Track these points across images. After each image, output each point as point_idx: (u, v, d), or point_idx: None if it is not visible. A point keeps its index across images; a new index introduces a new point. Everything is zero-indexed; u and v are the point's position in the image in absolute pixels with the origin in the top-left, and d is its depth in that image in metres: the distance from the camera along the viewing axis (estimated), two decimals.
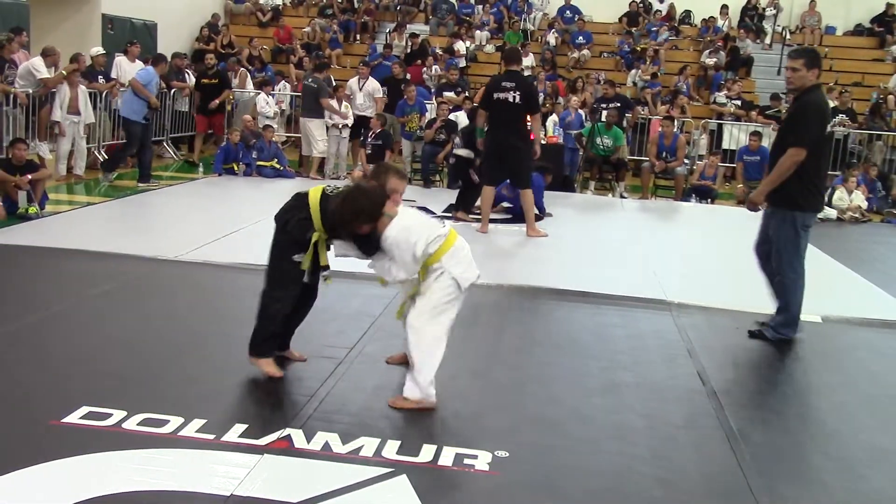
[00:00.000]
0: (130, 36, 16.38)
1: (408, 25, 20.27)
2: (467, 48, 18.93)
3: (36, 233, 7.83)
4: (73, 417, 3.89)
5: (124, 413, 3.94)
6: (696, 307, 6.58)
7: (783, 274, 5.94)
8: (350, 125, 12.92)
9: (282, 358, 4.71)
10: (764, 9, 20.64)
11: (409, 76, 15.70)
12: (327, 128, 12.72)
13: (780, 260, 5.92)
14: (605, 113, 13.33)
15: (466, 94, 14.32)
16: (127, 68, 13.06)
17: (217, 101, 13.92)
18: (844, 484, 3.83)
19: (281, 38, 19.62)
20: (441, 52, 18.27)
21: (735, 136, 15.23)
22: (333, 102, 12.64)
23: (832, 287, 7.76)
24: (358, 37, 20.47)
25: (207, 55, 15.06)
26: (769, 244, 6.01)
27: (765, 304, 6.73)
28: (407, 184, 4.32)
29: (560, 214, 10.39)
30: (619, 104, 13.84)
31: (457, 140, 10.05)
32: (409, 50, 18.11)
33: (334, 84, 13.32)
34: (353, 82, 13.77)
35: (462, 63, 17.78)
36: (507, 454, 3.81)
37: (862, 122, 15.16)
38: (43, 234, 7.76)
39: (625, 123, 14.07)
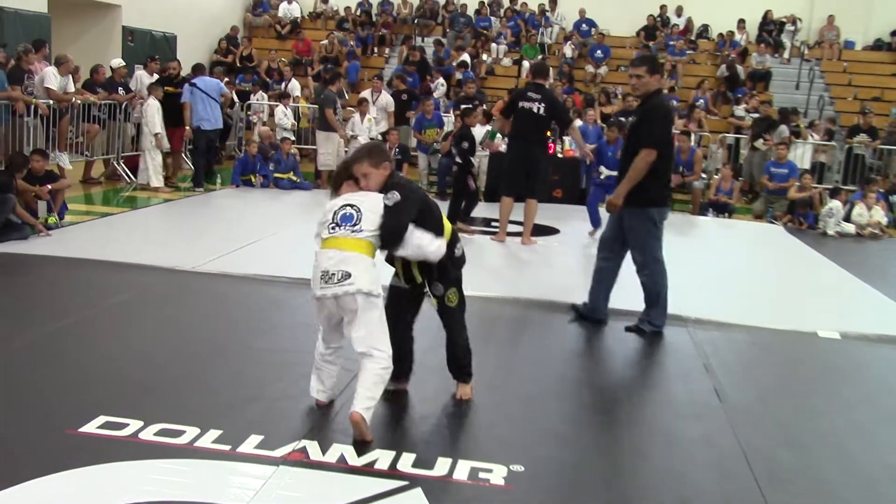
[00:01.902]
0: (150, 48, 16.55)
1: (425, 39, 20.34)
2: (473, 61, 18.90)
3: (55, 243, 7.89)
4: (90, 427, 3.91)
5: (141, 423, 3.95)
6: (713, 322, 6.54)
7: (649, 267, 6.13)
8: (372, 139, 12.94)
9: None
10: (783, 23, 20.58)
11: (420, 92, 15.70)
12: (349, 139, 12.78)
13: (643, 255, 6.13)
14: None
15: (484, 106, 14.25)
16: (146, 81, 13.19)
17: (186, 122, 12.18)
18: (863, 502, 3.79)
19: (300, 51, 19.73)
20: (457, 66, 18.33)
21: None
22: (357, 117, 12.71)
23: (851, 303, 7.70)
24: (375, 50, 20.56)
25: (171, 63, 13.33)
26: (618, 241, 6.22)
27: (783, 319, 6.71)
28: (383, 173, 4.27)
29: (576, 228, 10.37)
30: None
31: (464, 145, 9.89)
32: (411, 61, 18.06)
33: (346, 97, 13.37)
34: (366, 94, 13.84)
35: (459, 75, 17.71)
36: (523, 468, 3.79)
37: (883, 138, 15.08)
38: (62, 245, 7.81)
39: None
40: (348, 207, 4.11)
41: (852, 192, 12.73)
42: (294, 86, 16.53)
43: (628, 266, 6.26)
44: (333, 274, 3.96)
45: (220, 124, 12.76)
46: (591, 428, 4.37)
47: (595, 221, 9.83)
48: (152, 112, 11.73)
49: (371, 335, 4.00)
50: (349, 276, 3.95)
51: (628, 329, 6.16)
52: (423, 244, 4.14)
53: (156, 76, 13.43)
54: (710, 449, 4.20)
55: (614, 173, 9.63)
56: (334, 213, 4.12)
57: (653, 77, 6.06)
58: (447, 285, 4.41)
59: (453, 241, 4.38)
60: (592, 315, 6.33)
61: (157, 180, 11.77)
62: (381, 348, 4.01)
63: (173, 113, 12.08)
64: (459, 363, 4.58)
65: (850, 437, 4.58)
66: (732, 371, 5.49)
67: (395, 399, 4.56)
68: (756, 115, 15.22)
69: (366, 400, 3.91)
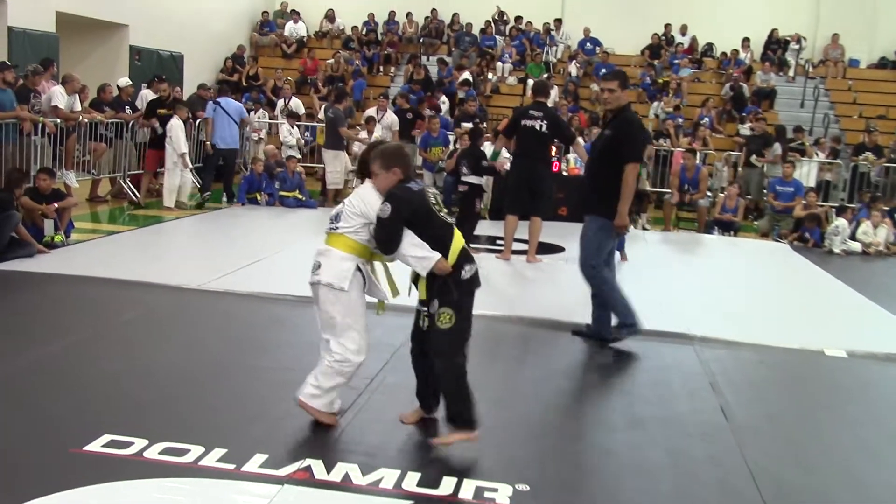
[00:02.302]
0: (157, 67, 16.64)
1: (430, 57, 20.43)
2: (478, 79, 18.95)
3: (61, 261, 7.90)
4: (95, 445, 3.90)
5: (145, 442, 3.95)
6: (719, 341, 6.52)
7: (583, 270, 6.40)
8: None
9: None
10: (787, 42, 20.63)
11: (428, 110, 15.72)
12: (356, 158, 12.82)
13: (582, 255, 6.31)
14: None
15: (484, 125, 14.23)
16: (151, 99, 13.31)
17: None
18: None
19: (307, 69, 19.84)
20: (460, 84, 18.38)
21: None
22: (364, 134, 12.76)
23: (858, 321, 7.67)
24: (381, 68, 20.66)
25: (161, 84, 13.11)
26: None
27: (787, 337, 6.69)
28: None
29: None
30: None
31: (463, 168, 9.88)
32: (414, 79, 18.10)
33: (354, 114, 13.45)
34: (371, 112, 13.90)
35: (461, 94, 17.78)
36: (528, 488, 3.77)
37: (888, 156, 15.08)
38: (68, 262, 7.83)
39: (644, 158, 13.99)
40: (341, 205, 4.32)
41: (858, 210, 12.70)
42: (296, 104, 16.57)
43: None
44: (313, 264, 4.26)
45: (235, 145, 13.09)
46: (596, 447, 4.35)
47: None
48: (177, 132, 11.86)
49: (331, 327, 4.21)
50: (319, 267, 4.22)
51: (576, 332, 6.37)
52: (407, 253, 4.13)
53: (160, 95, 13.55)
54: (716, 468, 4.18)
55: None
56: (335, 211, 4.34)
57: (624, 91, 6.23)
58: (443, 304, 4.12)
59: (461, 262, 4.13)
60: (598, 336, 6.32)
61: (170, 200, 11.86)
62: (341, 342, 4.19)
63: (161, 135, 12.11)
64: (446, 404, 4.18)
65: (857, 456, 4.55)
66: (739, 390, 5.47)
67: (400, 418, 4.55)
68: (751, 133, 15.21)
69: (310, 387, 4.24)
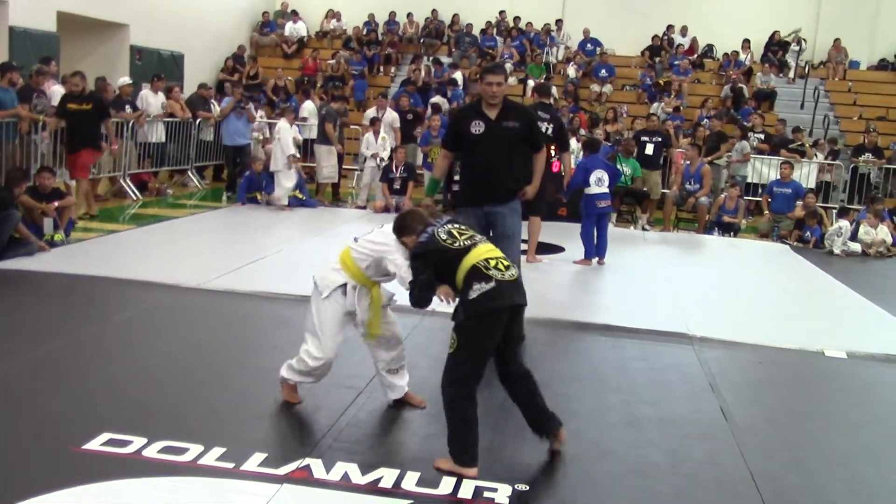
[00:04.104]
0: (158, 66, 16.65)
1: (431, 57, 20.43)
2: (465, 78, 18.96)
3: (61, 260, 7.90)
4: (94, 444, 3.90)
5: (145, 440, 3.95)
6: (719, 341, 6.53)
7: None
8: (386, 158, 12.96)
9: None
10: (788, 43, 20.64)
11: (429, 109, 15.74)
12: (364, 159, 12.91)
13: (516, 255, 5.98)
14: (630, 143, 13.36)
15: None
16: (152, 100, 13.36)
17: (110, 139, 11.30)
18: None
19: (308, 69, 19.83)
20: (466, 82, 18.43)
21: (758, 169, 15.18)
22: (377, 137, 12.87)
23: (858, 322, 7.68)
24: (381, 69, 20.66)
25: (75, 75, 10.91)
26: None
27: (787, 338, 6.69)
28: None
29: (581, 246, 10.35)
30: (659, 139, 13.85)
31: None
32: (419, 83, 18.05)
33: (347, 115, 13.58)
34: (372, 112, 13.92)
35: (448, 94, 17.80)
36: (528, 488, 3.78)
37: (889, 157, 15.09)
38: (67, 261, 7.82)
39: (661, 160, 13.98)
40: (372, 231, 4.49)
41: (857, 212, 12.70)
42: (310, 110, 16.29)
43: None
44: None
45: (240, 142, 13.49)
46: (595, 448, 4.35)
47: (590, 252, 9.67)
48: (285, 134, 12.06)
49: (306, 324, 4.51)
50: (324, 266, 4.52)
51: None
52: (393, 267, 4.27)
53: (160, 94, 13.58)
54: (716, 469, 4.18)
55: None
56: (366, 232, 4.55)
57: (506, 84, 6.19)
58: (454, 327, 3.92)
59: (469, 281, 3.87)
60: None
61: (284, 199, 12.15)
62: (305, 344, 4.48)
63: (78, 134, 10.60)
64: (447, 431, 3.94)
65: (857, 457, 4.55)
66: (739, 390, 5.47)
67: (399, 418, 4.56)
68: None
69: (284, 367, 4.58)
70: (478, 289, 3.83)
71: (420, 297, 4.05)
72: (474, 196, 6.06)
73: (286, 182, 12.14)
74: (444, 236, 4.03)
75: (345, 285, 4.39)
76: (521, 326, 4.15)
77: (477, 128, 5.87)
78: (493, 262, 3.91)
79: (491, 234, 5.94)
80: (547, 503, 3.69)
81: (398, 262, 4.20)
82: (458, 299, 3.96)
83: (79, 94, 10.74)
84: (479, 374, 3.91)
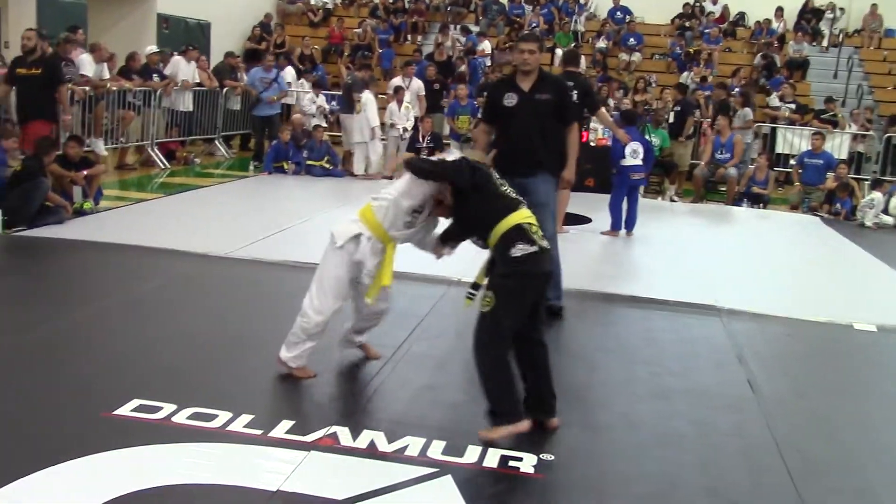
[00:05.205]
0: (185, 35, 16.67)
1: (458, 26, 20.26)
2: (494, 47, 18.81)
3: (90, 228, 7.97)
4: (125, 410, 3.95)
5: (174, 407, 3.99)
6: (747, 313, 6.47)
7: (553, 241, 5.86)
8: (410, 128, 12.94)
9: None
10: (822, 11, 20.24)
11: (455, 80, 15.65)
12: (389, 126, 12.94)
13: (551, 227, 5.83)
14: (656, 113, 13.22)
15: None
16: (183, 67, 13.34)
17: (64, 108, 9.45)
18: None
19: (334, 38, 19.76)
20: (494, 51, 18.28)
21: (789, 140, 14.98)
22: (379, 109, 12.83)
23: (888, 295, 7.58)
24: (408, 37, 20.53)
25: (26, 32, 9.31)
26: None
27: (816, 310, 6.63)
28: None
29: (609, 217, 10.29)
30: (679, 108, 13.68)
31: None
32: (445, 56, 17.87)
33: (376, 82, 13.56)
34: (397, 81, 13.85)
35: (488, 62, 17.76)
36: (553, 457, 3.78)
37: None
38: (97, 230, 7.89)
39: (689, 130, 13.80)
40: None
41: (893, 183, 12.50)
42: (290, 73, 16.09)
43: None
44: None
45: (269, 112, 13.74)
46: (621, 418, 4.34)
47: (617, 223, 9.62)
48: (371, 105, 12.33)
49: (313, 281, 4.47)
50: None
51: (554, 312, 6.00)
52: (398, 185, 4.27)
53: (193, 63, 13.57)
54: (742, 440, 4.17)
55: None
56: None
57: (541, 54, 6.14)
58: (489, 285, 3.90)
59: (513, 238, 3.83)
60: None
61: (360, 168, 12.51)
62: (310, 293, 4.46)
63: (27, 103, 9.19)
64: (485, 396, 3.90)
65: (886, 430, 4.52)
66: (766, 362, 5.43)
67: (425, 387, 4.58)
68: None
69: (283, 347, 4.52)
70: (522, 248, 3.80)
71: (433, 172, 4.04)
72: (508, 167, 5.96)
73: (372, 155, 12.43)
74: (496, 175, 4.09)
75: (359, 235, 4.31)
76: (543, 298, 4.13)
77: (510, 100, 5.79)
78: (534, 228, 3.92)
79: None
80: (573, 473, 3.69)
81: (391, 189, 4.26)
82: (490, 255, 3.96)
83: (29, 56, 9.10)
84: (513, 331, 3.87)
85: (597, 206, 10.31)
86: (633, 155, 9.57)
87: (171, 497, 3.26)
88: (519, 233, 3.85)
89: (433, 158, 4.26)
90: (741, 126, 13.54)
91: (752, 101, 14.56)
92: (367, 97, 12.38)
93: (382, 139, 12.97)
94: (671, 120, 13.11)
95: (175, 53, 13.75)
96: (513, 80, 5.91)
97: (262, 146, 13.45)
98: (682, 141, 13.46)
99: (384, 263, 4.33)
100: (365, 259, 4.30)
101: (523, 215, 3.93)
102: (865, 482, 3.88)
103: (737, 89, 15.59)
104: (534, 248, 3.83)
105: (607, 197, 9.77)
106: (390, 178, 12.75)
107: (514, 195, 4.05)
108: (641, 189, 12.33)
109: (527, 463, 3.70)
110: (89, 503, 3.16)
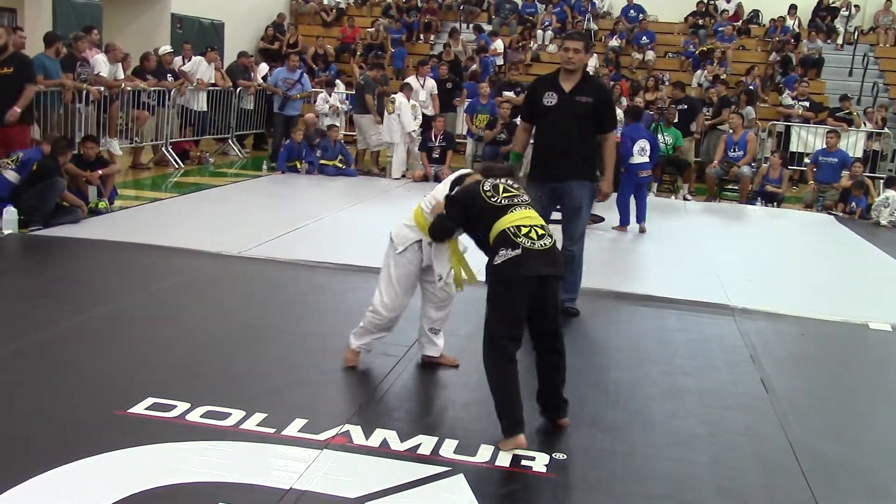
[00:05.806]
0: (198, 35, 16.73)
1: (470, 25, 20.24)
2: (517, 46, 18.78)
3: (105, 227, 8.01)
4: (139, 408, 3.98)
5: (188, 405, 4.01)
6: (760, 312, 6.45)
7: (579, 244, 5.96)
8: (419, 127, 12.94)
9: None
10: (837, 8, 20.11)
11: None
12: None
13: (581, 229, 5.88)
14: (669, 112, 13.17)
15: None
16: (204, 69, 13.42)
17: (19, 107, 8.79)
18: None
19: (347, 37, 19.78)
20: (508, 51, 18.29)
21: (803, 138, 14.90)
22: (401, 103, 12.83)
23: None
24: (421, 36, 20.53)
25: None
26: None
27: (831, 310, 6.60)
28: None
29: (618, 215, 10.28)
30: (686, 106, 13.62)
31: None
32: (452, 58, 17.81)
33: (388, 83, 13.53)
34: (411, 80, 13.84)
35: (499, 61, 17.79)
36: (565, 457, 3.78)
37: None
38: (111, 229, 7.93)
39: (693, 127, 13.74)
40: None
41: None
42: (263, 69, 15.96)
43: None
44: None
45: (293, 112, 13.80)
46: (633, 417, 4.34)
47: (626, 219, 9.70)
48: (406, 110, 12.36)
49: (380, 278, 4.59)
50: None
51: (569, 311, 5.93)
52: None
53: (212, 65, 13.64)
54: (755, 440, 4.15)
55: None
56: None
57: (587, 54, 6.08)
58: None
59: (496, 246, 3.88)
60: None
61: (398, 171, 12.51)
62: (380, 290, 4.56)
63: (1, 101, 8.76)
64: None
65: None
66: (780, 362, 5.41)
67: (438, 386, 4.58)
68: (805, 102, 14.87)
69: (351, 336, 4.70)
70: (503, 255, 3.83)
71: (434, 230, 4.31)
72: (544, 170, 5.85)
73: (402, 154, 12.51)
74: (487, 188, 4.06)
75: (420, 241, 4.46)
76: (555, 298, 4.07)
77: (550, 99, 5.72)
78: (524, 230, 3.88)
79: (559, 207, 5.89)
80: (585, 472, 3.69)
81: (434, 194, 4.40)
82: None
83: (0, 54, 8.79)
84: (512, 338, 3.87)
85: (608, 205, 10.27)
86: (641, 153, 9.63)
87: (183, 495, 3.27)
88: (503, 239, 3.87)
89: (436, 222, 4.32)
90: (745, 125, 13.49)
91: (756, 99, 14.50)
92: (401, 101, 12.37)
93: None
94: (675, 119, 13.04)
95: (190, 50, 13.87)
96: (556, 78, 5.78)
97: (279, 146, 13.47)
98: (687, 138, 13.42)
99: (454, 256, 4.45)
100: (432, 262, 4.48)
101: (514, 218, 3.92)
102: (880, 483, 3.87)
103: (750, 86, 15.53)
104: (515, 252, 3.81)
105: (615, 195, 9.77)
106: (402, 176, 12.77)
107: (510, 195, 4.02)
108: (654, 186, 12.38)
109: (539, 462, 3.70)
110: (103, 501, 3.17)
